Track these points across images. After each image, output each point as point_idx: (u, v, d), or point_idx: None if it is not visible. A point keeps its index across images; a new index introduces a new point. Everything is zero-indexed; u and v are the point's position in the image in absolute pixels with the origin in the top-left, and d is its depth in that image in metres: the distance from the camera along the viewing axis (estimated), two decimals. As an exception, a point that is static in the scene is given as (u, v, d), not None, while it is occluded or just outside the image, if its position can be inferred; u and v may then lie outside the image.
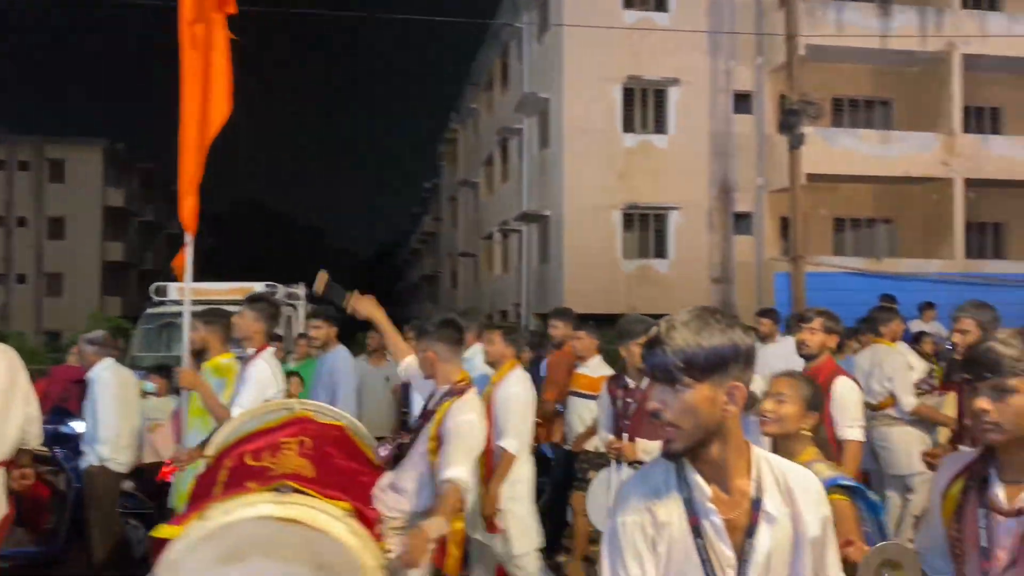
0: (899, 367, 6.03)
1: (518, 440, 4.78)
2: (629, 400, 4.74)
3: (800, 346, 4.47)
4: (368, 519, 3.18)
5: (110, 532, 5.64)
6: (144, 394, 6.33)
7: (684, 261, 20.45)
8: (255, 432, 3.49)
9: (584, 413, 6.21)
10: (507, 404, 4.78)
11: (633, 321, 5.01)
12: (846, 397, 4.16)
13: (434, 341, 3.48)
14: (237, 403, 4.44)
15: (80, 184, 42.82)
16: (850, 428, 4.11)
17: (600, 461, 5.97)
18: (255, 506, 2.91)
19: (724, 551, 1.69)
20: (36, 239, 43.46)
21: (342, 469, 3.41)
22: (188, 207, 4.70)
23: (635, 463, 4.47)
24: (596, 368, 6.23)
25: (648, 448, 4.41)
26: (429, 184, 48.42)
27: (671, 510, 1.71)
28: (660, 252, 21.00)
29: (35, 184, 42.80)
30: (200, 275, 6.84)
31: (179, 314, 11.08)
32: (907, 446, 5.98)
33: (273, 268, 14.54)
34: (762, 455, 1.77)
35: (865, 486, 2.99)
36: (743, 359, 1.67)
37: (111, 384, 5.63)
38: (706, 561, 1.68)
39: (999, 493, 2.05)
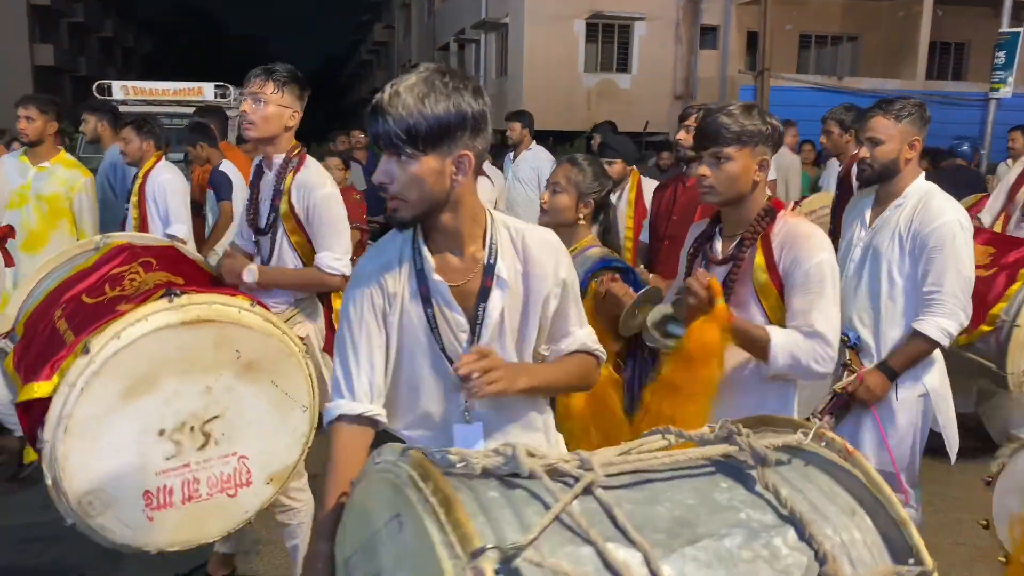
0: None
1: (187, 225, 4.49)
2: None
3: (676, 146, 4.01)
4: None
5: None
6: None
7: (647, 75, 19.97)
8: (71, 277, 2.85)
9: None
10: (164, 192, 4.42)
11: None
12: None
13: None
14: None
15: (-1, -22, 39.39)
16: None
17: None
18: (147, 319, 2.34)
19: (455, 317, 1.72)
20: (-44, 40, 40.48)
21: (207, 276, 2.95)
22: None
23: None
24: None
25: None
26: (380, -11, 45.67)
27: (401, 280, 1.73)
28: (623, 66, 20.42)
29: (-52, -22, 39.28)
30: (140, 79, 6.28)
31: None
32: None
33: (215, 75, 13.78)
34: (501, 220, 1.76)
35: None
36: (471, 126, 1.58)
37: None
38: (435, 329, 1.73)
39: (717, 246, 2.39)
